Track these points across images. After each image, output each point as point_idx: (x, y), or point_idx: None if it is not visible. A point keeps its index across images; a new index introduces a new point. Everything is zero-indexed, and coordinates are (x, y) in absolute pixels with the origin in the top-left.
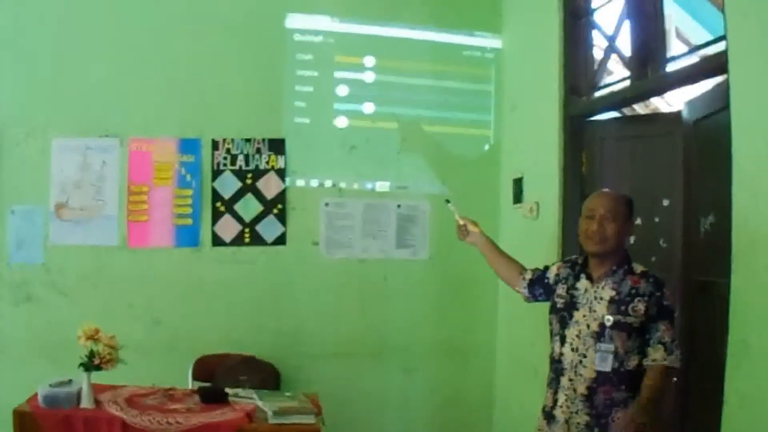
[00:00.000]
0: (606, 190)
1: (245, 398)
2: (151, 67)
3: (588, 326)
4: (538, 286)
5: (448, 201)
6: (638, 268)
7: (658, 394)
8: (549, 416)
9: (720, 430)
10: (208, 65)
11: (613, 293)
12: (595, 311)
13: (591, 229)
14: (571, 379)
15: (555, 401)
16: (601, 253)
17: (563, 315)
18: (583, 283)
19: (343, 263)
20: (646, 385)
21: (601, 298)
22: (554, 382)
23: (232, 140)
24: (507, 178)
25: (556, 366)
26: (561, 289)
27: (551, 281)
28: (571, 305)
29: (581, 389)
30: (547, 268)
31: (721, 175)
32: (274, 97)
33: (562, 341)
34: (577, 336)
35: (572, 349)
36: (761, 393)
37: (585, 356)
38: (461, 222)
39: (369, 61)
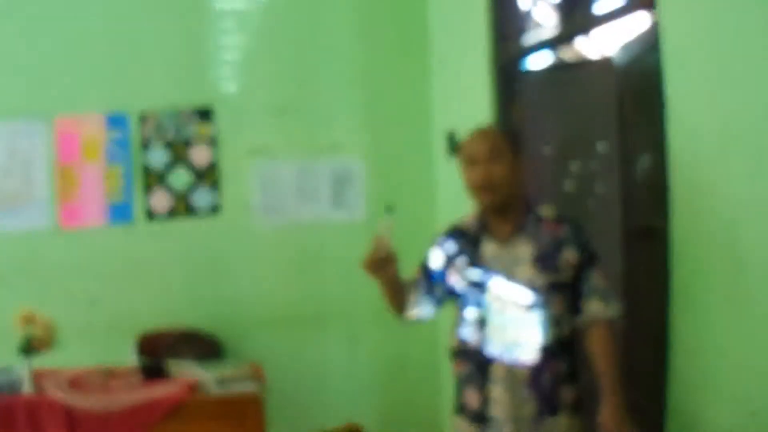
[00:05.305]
0: (482, 128)
1: (187, 371)
2: (73, 43)
3: (513, 297)
4: (434, 286)
5: (390, 209)
6: (545, 210)
7: (617, 372)
8: (479, 418)
9: (666, 382)
10: (132, 38)
11: (533, 249)
12: (516, 277)
13: (476, 177)
14: (508, 367)
15: (485, 399)
16: (497, 204)
17: (474, 294)
18: (489, 248)
19: (278, 228)
20: (605, 371)
21: (521, 259)
22: (477, 377)
23: (160, 112)
24: (439, 132)
25: (478, 357)
26: (455, 269)
27: (444, 267)
28: (482, 279)
29: (524, 374)
30: (425, 265)
31: (655, 115)
32: (200, 66)
33: (482, 325)
34: (502, 312)
35: (500, 330)
36: (706, 344)
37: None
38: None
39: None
